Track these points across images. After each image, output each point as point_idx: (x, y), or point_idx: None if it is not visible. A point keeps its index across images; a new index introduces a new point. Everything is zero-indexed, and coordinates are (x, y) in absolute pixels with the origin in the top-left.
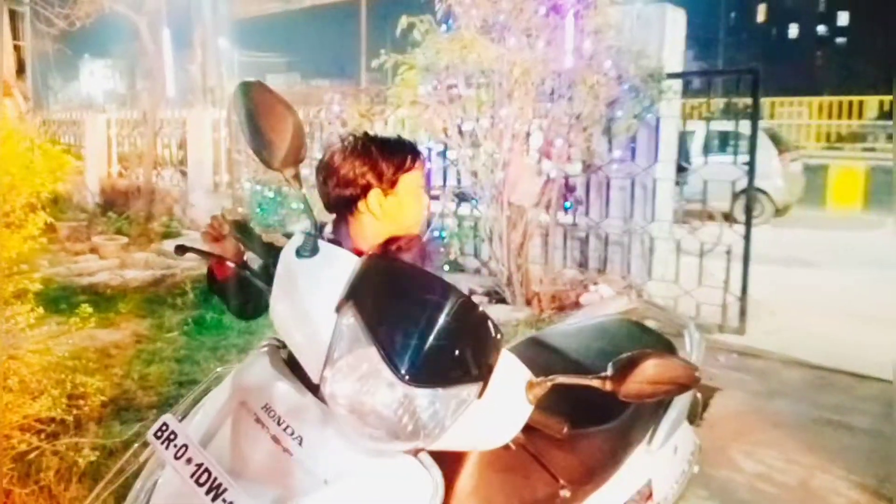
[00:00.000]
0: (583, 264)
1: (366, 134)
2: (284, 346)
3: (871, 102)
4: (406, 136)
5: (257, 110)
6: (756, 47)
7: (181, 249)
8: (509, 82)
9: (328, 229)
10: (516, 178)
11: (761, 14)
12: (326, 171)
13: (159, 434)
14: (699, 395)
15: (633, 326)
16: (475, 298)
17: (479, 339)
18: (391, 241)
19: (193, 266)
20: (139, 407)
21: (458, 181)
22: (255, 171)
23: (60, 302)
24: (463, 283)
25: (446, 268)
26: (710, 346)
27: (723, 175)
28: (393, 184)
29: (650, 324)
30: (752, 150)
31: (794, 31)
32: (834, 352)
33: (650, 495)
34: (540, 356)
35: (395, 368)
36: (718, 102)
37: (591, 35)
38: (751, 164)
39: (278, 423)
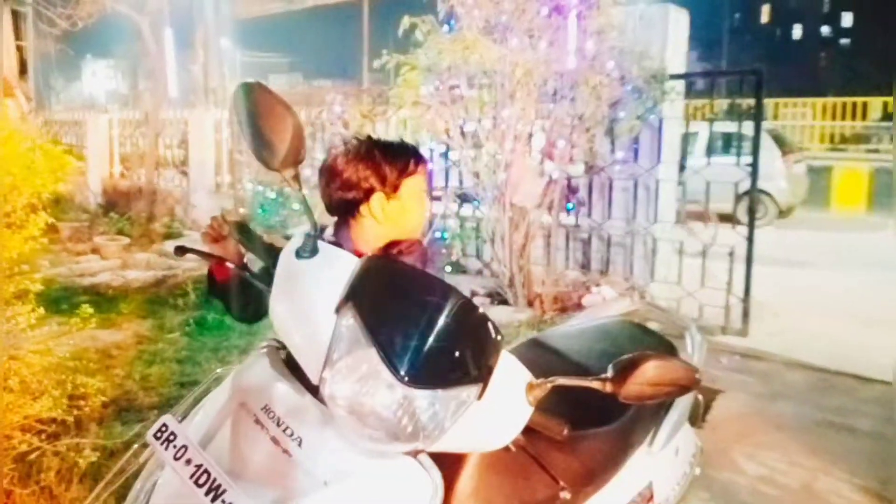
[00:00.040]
0: (585, 266)
1: (369, 137)
2: (284, 347)
3: (875, 104)
4: (408, 136)
5: (257, 111)
6: (760, 48)
7: (181, 250)
8: (511, 83)
9: (329, 231)
10: (518, 179)
11: (765, 15)
12: (330, 173)
13: (159, 435)
14: (700, 396)
15: (635, 328)
16: (477, 300)
17: (478, 340)
18: (392, 244)
19: (195, 267)
20: (140, 408)
21: (460, 182)
22: (256, 171)
23: (62, 302)
24: (465, 284)
25: (448, 269)
26: (712, 347)
27: (726, 176)
28: (396, 188)
29: (652, 325)
30: (755, 152)
31: (797, 32)
32: (837, 354)
33: (651, 497)
34: (541, 358)
35: (394, 370)
36: (722, 103)
37: (593, 36)
38: (754, 166)
39: (278, 424)
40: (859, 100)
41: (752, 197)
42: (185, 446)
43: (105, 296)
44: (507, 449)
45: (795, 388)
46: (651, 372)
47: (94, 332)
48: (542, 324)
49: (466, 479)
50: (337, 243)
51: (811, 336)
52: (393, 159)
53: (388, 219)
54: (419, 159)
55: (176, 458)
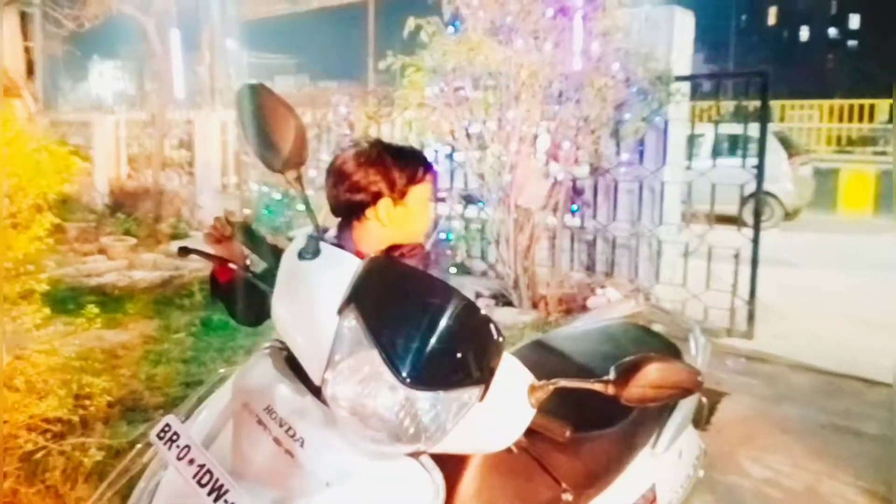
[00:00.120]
0: (590, 267)
1: (380, 141)
2: (287, 348)
3: (883, 106)
4: (413, 138)
5: (259, 113)
6: (767, 50)
7: (184, 251)
8: (517, 85)
9: (332, 233)
10: (523, 180)
11: (772, 17)
12: (338, 175)
13: (162, 435)
14: (704, 399)
15: (639, 330)
16: (482, 301)
17: (480, 342)
18: (394, 247)
19: (201, 268)
20: (146, 407)
21: (466, 183)
22: (262, 173)
23: (68, 302)
24: (469, 285)
25: (453, 270)
26: (717, 350)
27: (732, 178)
28: (403, 194)
29: (657, 327)
30: (760, 154)
31: (804, 33)
32: (843, 357)
33: (654, 499)
34: (545, 359)
35: (396, 371)
36: (728, 105)
37: (598, 37)
38: (760, 168)
39: (280, 425)
40: (866, 102)
41: (758, 199)
42: (188, 446)
43: (111, 296)
44: (509, 450)
45: (801, 391)
46: (653, 374)
47: (101, 332)
48: (547, 325)
49: (469, 480)
50: (339, 245)
51: (817, 339)
52: (403, 165)
53: (392, 223)
54: (428, 167)
55: (179, 458)
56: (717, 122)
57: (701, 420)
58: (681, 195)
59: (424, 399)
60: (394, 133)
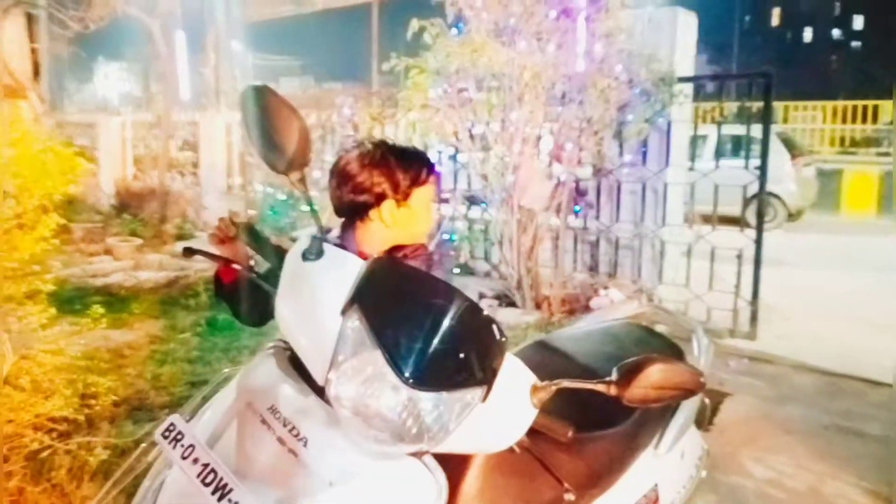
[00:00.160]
0: (593, 268)
1: (383, 142)
2: (291, 348)
3: (886, 107)
4: (417, 139)
5: (263, 114)
6: (770, 51)
7: (188, 252)
8: (520, 86)
9: (334, 233)
10: (526, 181)
11: (776, 18)
12: (342, 175)
13: (167, 434)
14: (707, 400)
15: (642, 331)
16: (485, 302)
17: (483, 342)
18: (397, 248)
19: (206, 268)
20: (151, 407)
21: (469, 184)
22: (267, 174)
23: (74, 302)
24: (473, 286)
25: (456, 271)
26: (720, 350)
27: (735, 179)
28: (407, 196)
29: (659, 328)
30: (763, 155)
31: (808, 34)
32: (846, 357)
33: (656, 500)
34: (547, 360)
35: (399, 372)
36: (732, 106)
37: (602, 39)
38: (762, 169)
39: (284, 425)
40: (870, 103)
41: (761, 200)
42: (192, 445)
43: (117, 296)
44: (511, 450)
45: (804, 392)
46: (655, 375)
47: (107, 332)
48: (550, 326)
49: (471, 480)
50: (342, 245)
51: (820, 340)
52: (407, 167)
53: (396, 225)
54: (431, 168)
55: (183, 458)
56: (720, 124)
57: (704, 421)
58: (684, 196)
59: (427, 399)
60: (397, 134)
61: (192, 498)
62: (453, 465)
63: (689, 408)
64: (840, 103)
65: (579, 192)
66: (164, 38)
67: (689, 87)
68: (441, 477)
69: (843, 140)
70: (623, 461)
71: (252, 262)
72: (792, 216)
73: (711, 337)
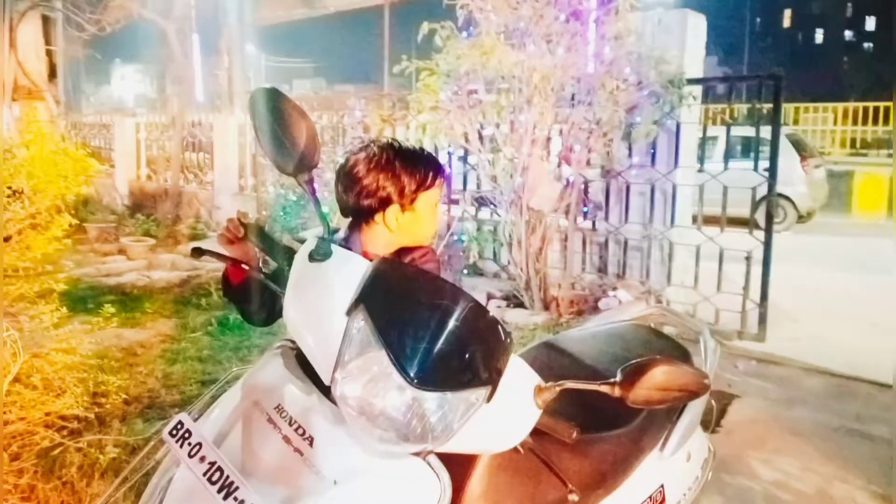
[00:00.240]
0: (601, 269)
1: (391, 145)
2: (298, 348)
3: None
4: (427, 140)
5: (272, 117)
6: (782, 52)
7: (197, 252)
8: (529, 88)
9: (340, 234)
10: (536, 182)
11: (787, 19)
12: (347, 179)
13: (174, 432)
14: (713, 401)
15: (648, 332)
16: (494, 303)
17: (488, 343)
18: (404, 251)
19: (218, 268)
20: (162, 405)
21: (478, 186)
22: (279, 175)
23: (88, 302)
24: (482, 287)
25: (465, 271)
26: (729, 352)
27: (744, 181)
28: (412, 200)
29: (667, 330)
30: (773, 156)
31: (819, 36)
32: (854, 360)
33: (662, 501)
34: (554, 361)
35: (404, 372)
36: (741, 108)
37: (611, 41)
38: (772, 170)
39: (290, 424)
40: (881, 104)
41: (770, 201)
42: (199, 444)
43: (130, 295)
44: (516, 451)
45: (812, 394)
46: (659, 377)
47: (119, 331)
48: (559, 327)
49: (476, 480)
50: (347, 246)
51: (828, 342)
52: (413, 171)
53: (400, 229)
54: (438, 172)
55: (190, 456)
56: (730, 125)
57: (710, 422)
58: (692, 198)
59: (432, 399)
60: (408, 136)
61: (198, 496)
62: (458, 465)
63: (695, 409)
64: (851, 105)
65: (588, 194)
66: (179, 40)
67: (698, 89)
68: (445, 476)
69: (853, 142)
70: (628, 462)
71: (261, 263)
72: (802, 218)
73: (720, 339)
